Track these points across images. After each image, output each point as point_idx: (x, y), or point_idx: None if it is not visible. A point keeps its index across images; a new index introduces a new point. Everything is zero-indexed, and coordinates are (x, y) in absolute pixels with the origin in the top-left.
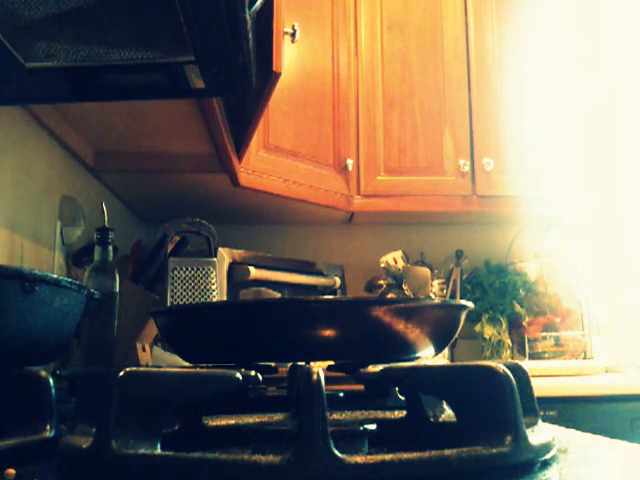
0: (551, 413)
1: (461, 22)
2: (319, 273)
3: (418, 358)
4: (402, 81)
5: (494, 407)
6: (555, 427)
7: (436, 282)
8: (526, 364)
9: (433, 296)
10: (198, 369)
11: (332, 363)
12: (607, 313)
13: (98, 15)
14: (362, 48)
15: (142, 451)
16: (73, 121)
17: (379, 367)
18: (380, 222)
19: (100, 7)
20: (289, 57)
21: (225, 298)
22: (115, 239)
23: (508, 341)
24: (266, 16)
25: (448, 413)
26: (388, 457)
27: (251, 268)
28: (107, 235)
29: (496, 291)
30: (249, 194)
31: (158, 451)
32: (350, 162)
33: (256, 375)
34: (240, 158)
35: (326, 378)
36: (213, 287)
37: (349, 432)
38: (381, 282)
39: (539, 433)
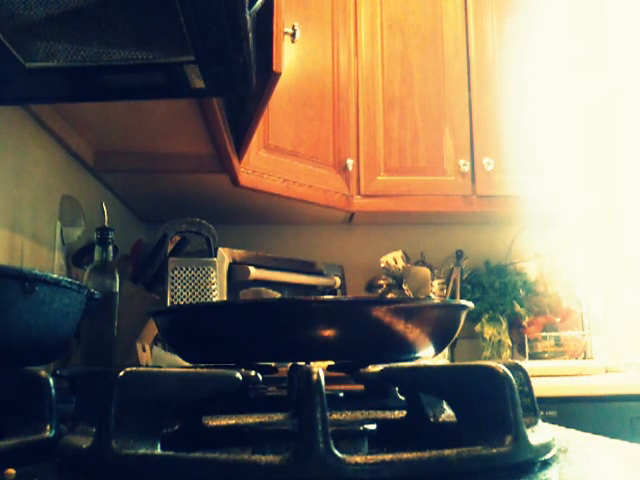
0: (551, 413)
1: (461, 22)
2: (319, 273)
3: (418, 358)
4: (402, 81)
5: (494, 407)
6: (555, 427)
7: (436, 282)
8: (526, 364)
9: (433, 296)
10: (198, 369)
11: (332, 363)
12: (607, 313)
13: (98, 15)
14: (362, 48)
15: (142, 451)
16: (73, 121)
17: (379, 367)
18: (380, 222)
19: (100, 7)
20: (289, 57)
21: (225, 298)
22: (115, 239)
23: (508, 341)
24: (266, 16)
25: (448, 413)
26: (388, 457)
27: (251, 268)
28: (107, 235)
29: (496, 291)
30: (249, 194)
31: (158, 451)
32: (350, 162)
33: (256, 375)
34: (240, 158)
35: (326, 378)
36: (213, 287)
37: (349, 432)
38: (381, 282)
39: (539, 433)
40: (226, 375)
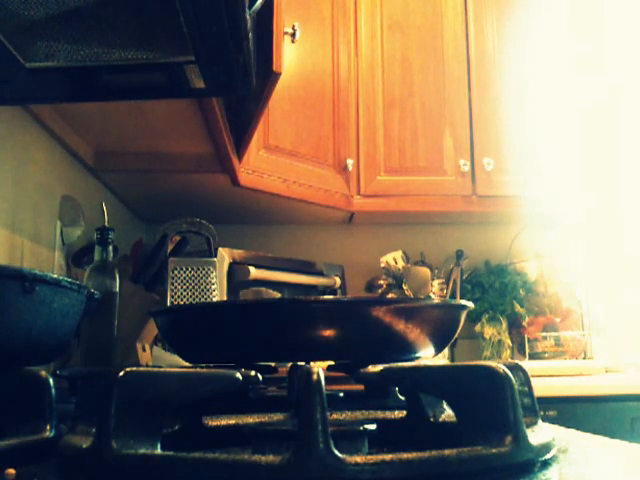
0: (551, 413)
1: (461, 22)
2: (319, 273)
3: (418, 358)
4: (402, 81)
5: (494, 407)
6: (555, 427)
7: (436, 282)
8: (526, 364)
9: (433, 296)
10: (198, 369)
11: (332, 363)
12: (607, 313)
13: (98, 15)
14: (362, 48)
15: (142, 451)
16: (73, 121)
17: (379, 367)
18: (380, 222)
19: (100, 7)
20: (289, 57)
21: (225, 298)
22: (115, 239)
23: (508, 341)
24: (266, 16)
25: (448, 413)
26: (388, 457)
27: (251, 268)
28: (107, 235)
29: (496, 291)
30: (249, 194)
31: (158, 451)
32: (350, 162)
33: (256, 375)
34: (240, 158)
35: (326, 378)
36: (213, 287)
37: (349, 432)
38: (381, 282)
39: (539, 433)
40: (226, 375)
